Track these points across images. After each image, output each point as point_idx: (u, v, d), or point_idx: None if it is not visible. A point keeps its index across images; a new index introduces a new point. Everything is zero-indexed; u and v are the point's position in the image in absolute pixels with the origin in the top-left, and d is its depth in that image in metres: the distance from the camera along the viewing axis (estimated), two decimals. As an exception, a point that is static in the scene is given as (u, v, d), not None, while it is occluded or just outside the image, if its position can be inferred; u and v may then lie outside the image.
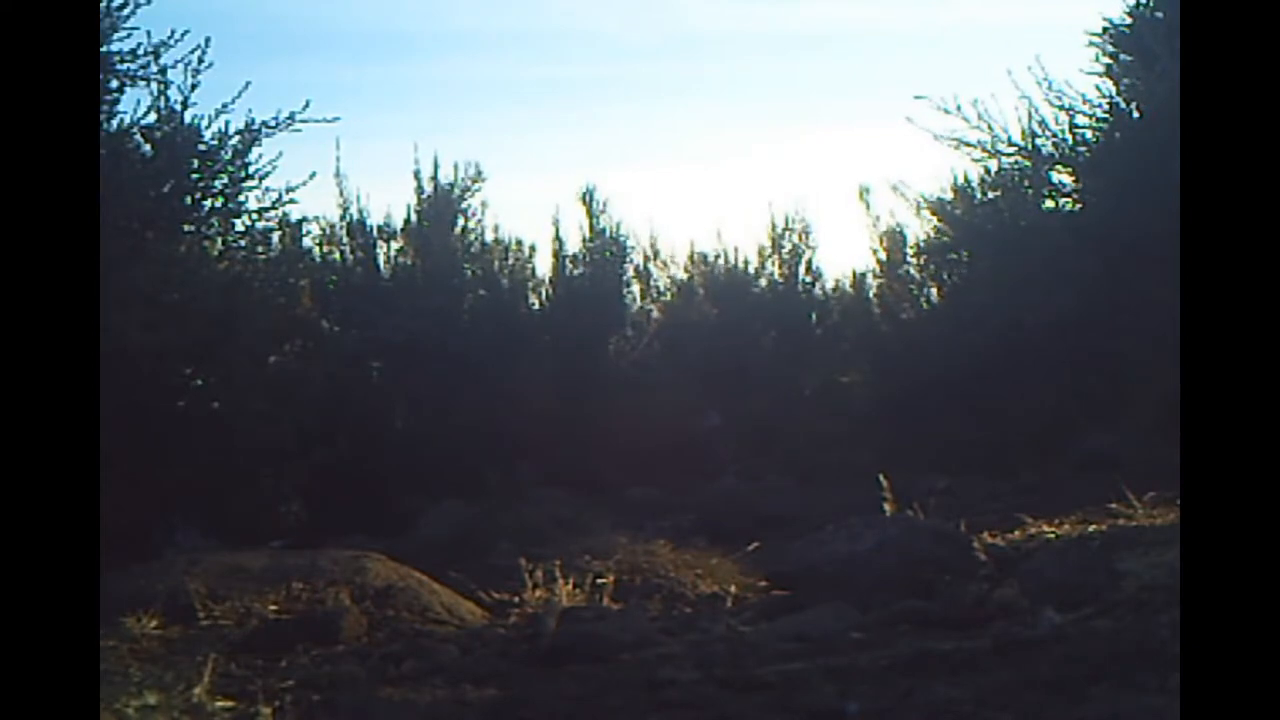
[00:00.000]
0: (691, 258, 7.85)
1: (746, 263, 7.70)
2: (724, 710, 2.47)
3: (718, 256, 7.77)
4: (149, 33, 4.94)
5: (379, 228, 6.65)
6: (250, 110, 5.11)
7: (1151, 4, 6.04)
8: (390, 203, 8.23)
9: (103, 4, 4.75)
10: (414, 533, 4.89)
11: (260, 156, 5.13)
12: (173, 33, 4.98)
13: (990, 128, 6.07)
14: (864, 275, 7.67)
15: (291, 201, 5.25)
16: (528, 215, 12.86)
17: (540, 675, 2.88)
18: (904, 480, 4.40)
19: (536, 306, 7.02)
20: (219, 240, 5.28)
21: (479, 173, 6.70)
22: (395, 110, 16.75)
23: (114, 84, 4.91)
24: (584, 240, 6.96)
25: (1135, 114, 5.82)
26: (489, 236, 6.87)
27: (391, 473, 5.90)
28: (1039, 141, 6.03)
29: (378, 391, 6.35)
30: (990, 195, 6.55)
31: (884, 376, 7.11)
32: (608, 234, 6.95)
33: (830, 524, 4.03)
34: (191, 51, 4.98)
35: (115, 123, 4.97)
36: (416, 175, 6.63)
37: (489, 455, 6.07)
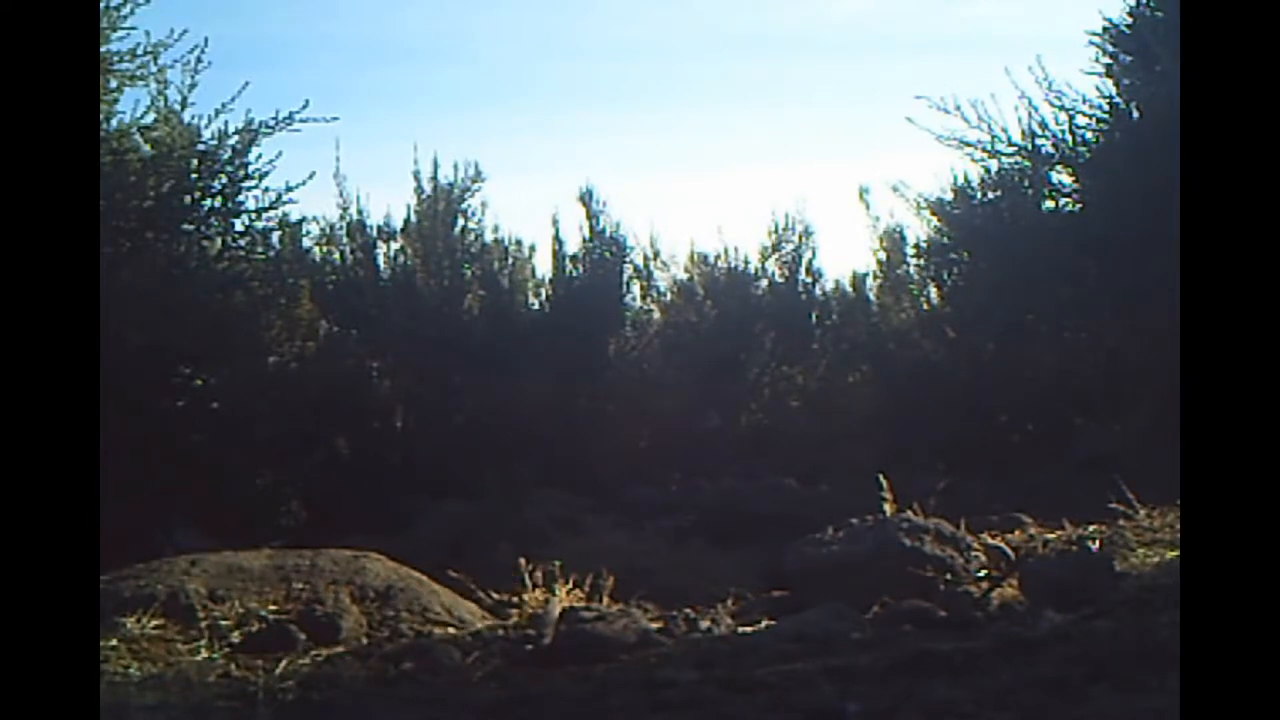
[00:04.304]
0: (692, 258, 7.82)
1: (746, 263, 7.68)
2: (724, 710, 2.47)
3: (718, 257, 7.75)
4: (148, 32, 4.96)
5: (379, 228, 6.63)
6: (249, 111, 5.13)
7: (1151, 4, 6.03)
8: (390, 203, 8.22)
9: (102, 4, 4.75)
10: (414, 533, 4.89)
11: (259, 156, 5.15)
12: (171, 32, 5.00)
13: (990, 128, 6.07)
14: (864, 275, 7.65)
15: (291, 201, 5.27)
16: (528, 215, 12.86)
17: (540, 675, 2.88)
18: (904, 480, 4.40)
19: (536, 306, 7.01)
20: (219, 240, 5.29)
21: (479, 173, 6.68)
22: (395, 112, 16.75)
23: (113, 84, 4.92)
24: (584, 240, 6.94)
25: (1135, 114, 5.82)
26: (489, 236, 6.85)
27: (391, 473, 5.89)
28: (1039, 141, 6.03)
29: (378, 391, 6.34)
30: (990, 195, 6.53)
31: (884, 376, 7.09)
32: (607, 234, 6.93)
33: (830, 524, 4.03)
34: (190, 51, 5.00)
35: (115, 123, 4.98)
36: (416, 175, 6.61)
37: (489, 455, 6.06)
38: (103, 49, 4.80)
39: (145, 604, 3.26)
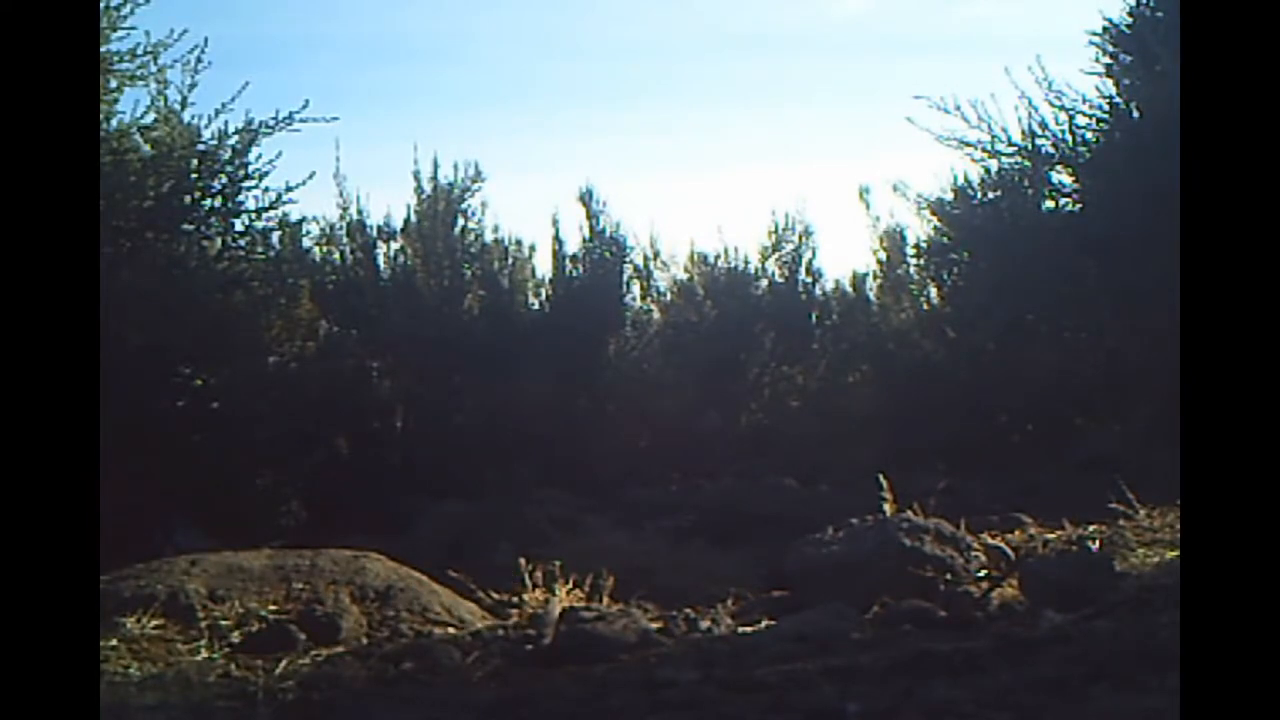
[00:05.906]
0: (691, 258, 7.82)
1: (746, 263, 7.69)
2: (724, 710, 2.47)
3: (718, 257, 7.75)
4: (148, 32, 4.97)
5: (379, 228, 6.63)
6: (249, 111, 5.14)
7: (1151, 4, 6.03)
8: (390, 203, 8.23)
9: (102, 4, 4.76)
10: (414, 533, 4.89)
11: (259, 156, 5.16)
12: (171, 32, 5.00)
13: (990, 128, 6.07)
14: (864, 275, 7.66)
15: (291, 201, 5.27)
16: (528, 215, 12.87)
17: (540, 675, 2.88)
18: (904, 480, 4.40)
19: (536, 306, 7.01)
20: (219, 240, 5.29)
21: (479, 173, 6.69)
22: (395, 112, 16.75)
23: (113, 84, 4.92)
24: (584, 240, 6.95)
25: (1135, 114, 5.82)
26: (489, 236, 6.85)
27: (391, 473, 5.89)
28: (1039, 141, 6.03)
29: (378, 391, 6.34)
30: (990, 195, 6.54)
31: (884, 376, 7.09)
32: (607, 234, 6.93)
33: (830, 524, 4.03)
34: (190, 51, 5.00)
35: (115, 123, 4.98)
36: (416, 175, 6.61)
37: (489, 455, 6.06)
38: (103, 49, 4.80)
39: (145, 604, 3.26)
